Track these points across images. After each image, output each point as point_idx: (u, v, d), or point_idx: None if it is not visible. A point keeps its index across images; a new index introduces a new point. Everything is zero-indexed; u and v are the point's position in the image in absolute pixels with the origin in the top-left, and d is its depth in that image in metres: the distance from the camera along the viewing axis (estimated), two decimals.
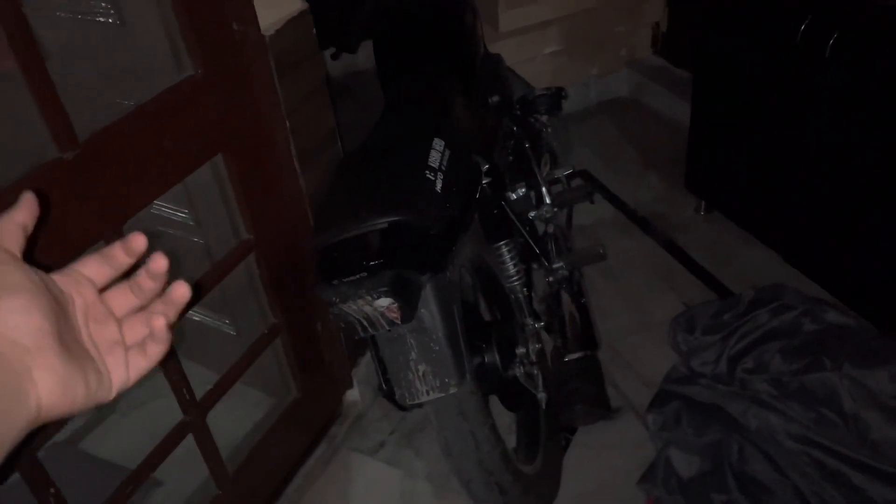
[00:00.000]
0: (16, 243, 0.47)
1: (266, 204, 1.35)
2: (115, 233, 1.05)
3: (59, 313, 0.46)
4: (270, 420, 1.59)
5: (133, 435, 1.80)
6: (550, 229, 1.77)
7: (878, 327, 1.72)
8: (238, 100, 1.24)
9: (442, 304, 1.11)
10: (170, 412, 1.38)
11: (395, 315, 1.02)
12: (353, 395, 1.80)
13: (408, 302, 1.03)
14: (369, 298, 0.99)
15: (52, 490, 1.03)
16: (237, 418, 1.77)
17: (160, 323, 0.51)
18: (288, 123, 1.33)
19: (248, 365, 1.41)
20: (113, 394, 0.49)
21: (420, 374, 1.12)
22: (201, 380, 1.44)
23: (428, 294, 1.08)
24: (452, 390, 1.12)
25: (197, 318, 1.77)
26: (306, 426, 1.69)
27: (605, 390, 1.69)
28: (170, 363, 1.23)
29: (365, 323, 1.04)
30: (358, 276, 0.98)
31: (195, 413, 1.29)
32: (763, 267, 2.09)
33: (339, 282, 0.99)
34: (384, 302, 1.00)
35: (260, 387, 1.80)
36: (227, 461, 1.51)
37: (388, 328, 1.04)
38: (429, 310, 1.09)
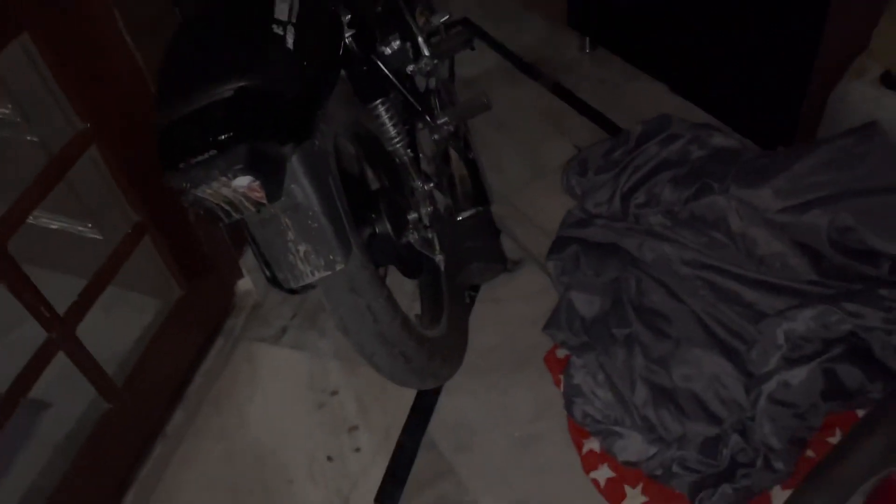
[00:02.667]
0: None
1: (99, 87, 1.17)
2: None
3: None
4: (157, 323, 1.49)
5: (3, 364, 1.66)
6: (432, 84, 1.66)
7: (762, 146, 1.74)
8: None
9: (314, 177, 1.00)
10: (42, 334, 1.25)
11: (258, 195, 0.91)
12: (245, 284, 1.71)
13: (270, 178, 0.92)
14: (225, 179, 0.88)
15: None
16: (123, 326, 1.65)
17: None
18: None
19: (115, 270, 1.28)
20: None
21: (301, 254, 1.04)
22: (75, 290, 1.31)
23: (295, 167, 0.97)
24: (339, 267, 1.04)
25: (55, 227, 1.60)
26: (198, 323, 1.59)
27: (501, 245, 1.66)
28: (18, 283, 1.09)
29: (227, 207, 0.93)
30: (207, 156, 0.86)
31: (61, 329, 1.17)
32: (651, 100, 2.06)
33: (186, 164, 0.86)
34: (243, 181, 0.89)
35: (142, 290, 1.67)
36: (117, 372, 1.41)
37: (255, 210, 0.94)
38: (299, 184, 0.99)
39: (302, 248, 1.03)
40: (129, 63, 1.22)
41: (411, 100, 1.45)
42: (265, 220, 1.01)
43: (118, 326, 1.63)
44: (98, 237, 1.58)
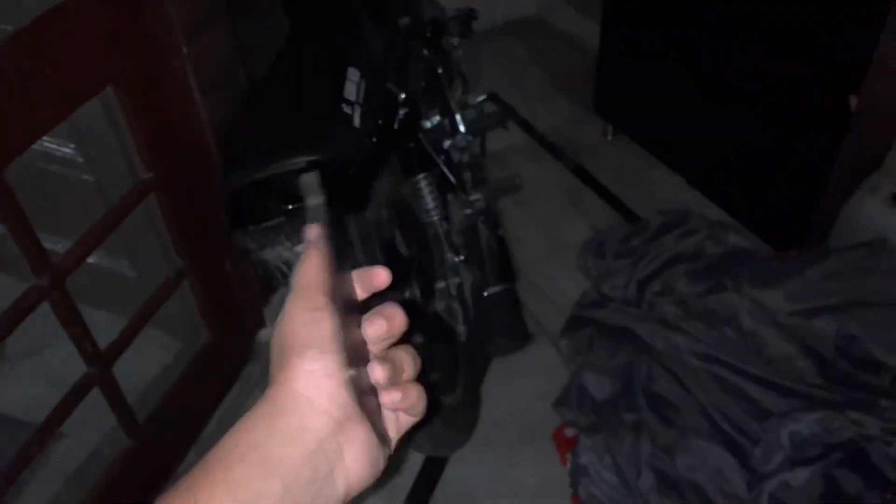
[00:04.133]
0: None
1: (166, 138, 1.25)
2: None
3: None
4: (181, 364, 1.53)
5: (28, 386, 1.68)
6: (465, 158, 1.74)
7: (774, 248, 1.82)
8: (126, 23, 1.11)
9: (365, 245, 1.07)
10: (67, 360, 1.28)
11: None
12: (265, 333, 1.75)
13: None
14: (289, 244, 0.94)
15: None
16: (141, 363, 1.68)
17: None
18: (185, 50, 1.21)
19: (154, 310, 1.33)
20: (392, 449, 0.41)
21: None
22: (101, 324, 1.35)
23: (352, 236, 1.04)
24: None
25: (92, 261, 1.64)
26: (219, 369, 1.63)
27: (524, 322, 1.71)
28: (68, 313, 1.13)
29: (285, 269, 0.99)
30: (276, 222, 0.93)
31: (100, 365, 1.21)
32: (668, 190, 2.15)
33: (256, 228, 0.93)
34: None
35: (165, 329, 1.71)
36: (136, 408, 1.44)
37: None
38: (353, 252, 1.05)
39: None
40: (195, 118, 1.30)
41: (448, 174, 1.52)
42: None
43: (137, 363, 1.66)
44: (132, 275, 1.62)
